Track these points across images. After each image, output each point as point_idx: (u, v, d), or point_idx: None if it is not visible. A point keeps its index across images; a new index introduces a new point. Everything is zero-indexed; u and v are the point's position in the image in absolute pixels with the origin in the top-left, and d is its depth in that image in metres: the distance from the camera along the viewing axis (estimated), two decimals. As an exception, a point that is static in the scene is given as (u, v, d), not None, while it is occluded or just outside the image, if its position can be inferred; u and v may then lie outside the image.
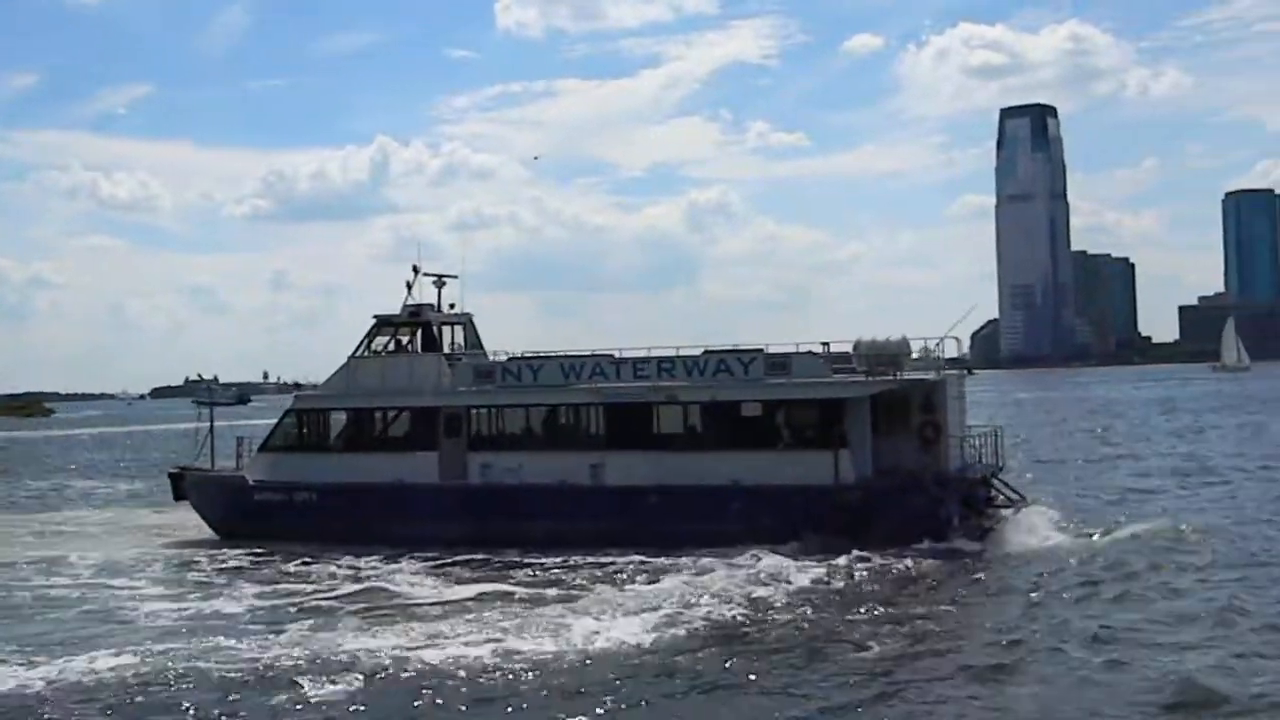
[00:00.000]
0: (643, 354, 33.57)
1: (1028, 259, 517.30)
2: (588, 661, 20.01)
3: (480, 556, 30.67)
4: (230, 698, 18.46)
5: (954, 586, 25.81)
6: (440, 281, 37.22)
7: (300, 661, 20.23)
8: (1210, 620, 21.33)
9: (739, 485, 30.97)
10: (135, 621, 24.91)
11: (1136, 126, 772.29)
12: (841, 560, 27.63)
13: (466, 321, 37.72)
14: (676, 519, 30.81)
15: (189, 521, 38.27)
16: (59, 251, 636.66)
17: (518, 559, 30.23)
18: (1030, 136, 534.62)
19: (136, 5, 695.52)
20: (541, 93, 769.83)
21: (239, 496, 36.63)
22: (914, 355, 32.76)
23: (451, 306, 37.40)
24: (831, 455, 30.54)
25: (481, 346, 37.52)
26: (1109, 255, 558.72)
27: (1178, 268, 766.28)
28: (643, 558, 29.02)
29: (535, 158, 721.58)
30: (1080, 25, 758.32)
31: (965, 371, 37.08)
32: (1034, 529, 30.94)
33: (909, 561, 27.83)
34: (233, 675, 19.56)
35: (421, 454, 34.65)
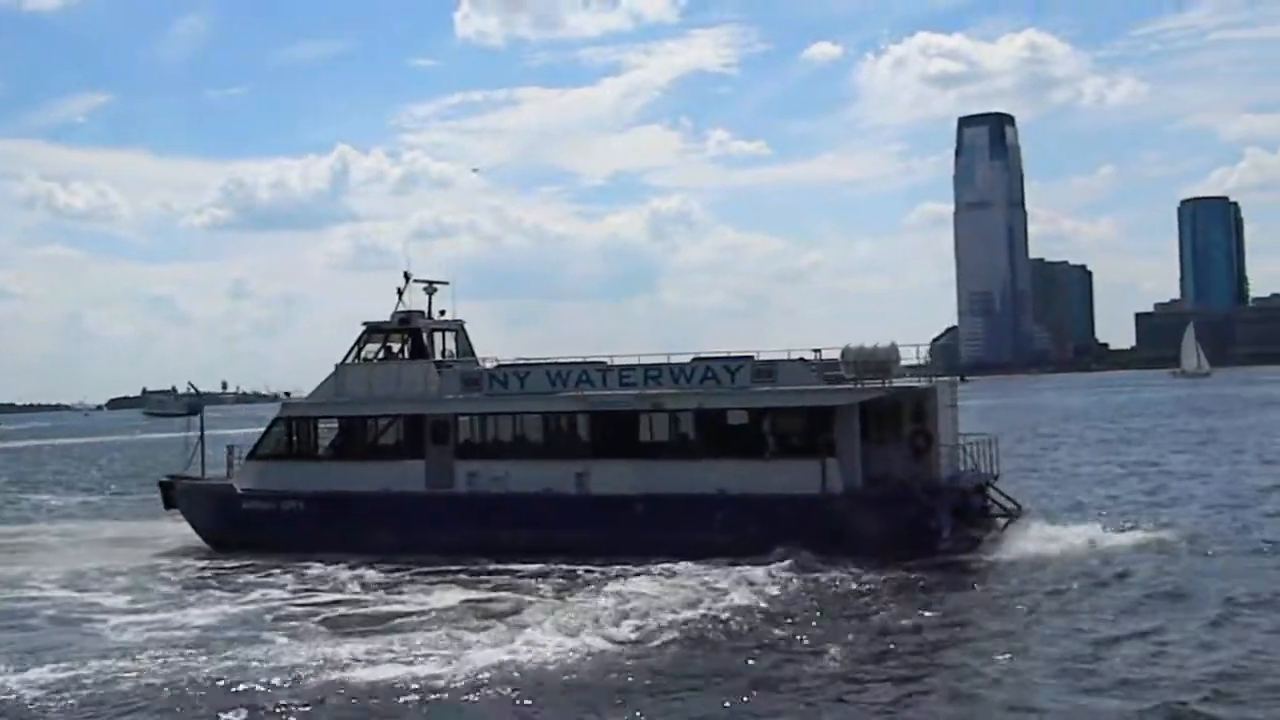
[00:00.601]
0: (630, 361, 33.32)
1: (986, 266, 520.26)
2: (549, 670, 19.80)
3: (459, 566, 30.31)
4: (180, 710, 18.30)
5: (935, 599, 25.10)
6: (431, 288, 36.90)
7: (259, 674, 20.00)
8: (1194, 642, 20.58)
9: (725, 494, 30.64)
10: (100, 635, 24.53)
11: (1093, 135, 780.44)
12: (824, 571, 27.26)
13: (458, 328, 37.41)
14: (662, 528, 30.40)
15: (157, 532, 37.93)
16: (15, 261, 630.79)
17: (497, 567, 29.84)
18: (988, 145, 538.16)
19: (95, 13, 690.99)
20: (502, 101, 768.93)
21: (227, 506, 36.35)
22: (902, 362, 32.54)
23: (442, 313, 37.07)
24: (819, 464, 30.03)
25: (473, 353, 37.15)
26: (1066, 263, 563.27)
27: (1134, 275, 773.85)
28: (621, 567, 28.49)
29: (474, 170, 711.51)
30: (1037, 34, 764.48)
31: (959, 379, 36.50)
32: (1027, 540, 30.33)
33: (894, 573, 27.19)
34: (188, 689, 19.33)
35: (408, 462, 34.37)
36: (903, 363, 32.83)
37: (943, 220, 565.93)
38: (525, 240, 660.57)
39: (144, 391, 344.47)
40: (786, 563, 27.83)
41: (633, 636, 21.93)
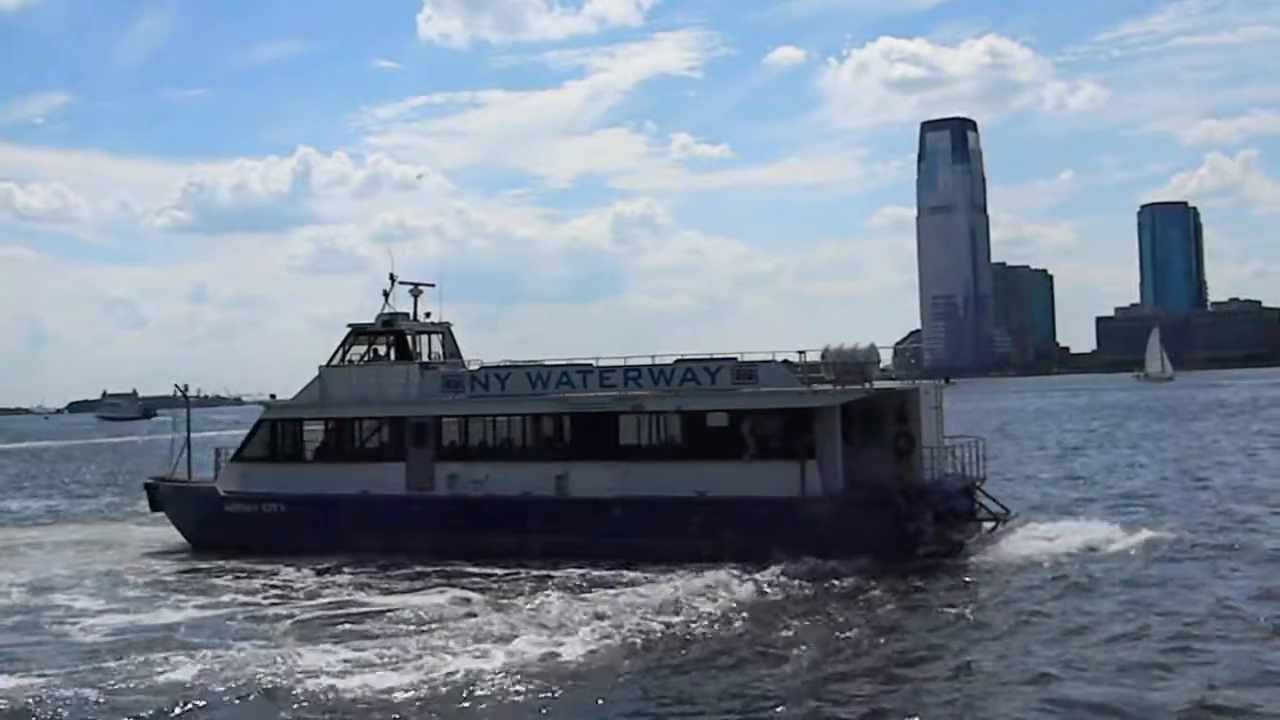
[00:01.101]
0: (610, 363, 33.08)
1: (949, 270, 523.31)
2: (517, 677, 19.45)
3: (434, 569, 30.01)
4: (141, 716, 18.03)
5: (911, 605, 24.63)
6: (416, 290, 36.69)
7: (222, 679, 19.62)
8: (1179, 652, 19.89)
9: (704, 497, 30.33)
10: (69, 637, 24.20)
11: (1054, 140, 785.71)
12: (800, 576, 26.92)
13: (445, 330, 37.14)
14: (641, 532, 30.18)
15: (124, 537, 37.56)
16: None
17: (472, 571, 29.53)
18: (951, 149, 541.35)
19: (55, 13, 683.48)
20: (466, 104, 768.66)
21: (210, 508, 36.26)
22: (882, 364, 32.36)
23: (428, 315, 36.86)
24: (798, 466, 29.74)
25: (460, 355, 36.92)
26: (1028, 267, 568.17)
27: (1094, 279, 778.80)
28: (599, 572, 28.27)
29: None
30: (998, 40, 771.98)
31: (944, 381, 35.94)
32: (1010, 544, 30.06)
33: (872, 577, 26.76)
34: (147, 695, 19.03)
35: (390, 464, 34.23)
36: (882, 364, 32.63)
37: (905, 224, 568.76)
38: (490, 243, 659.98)
39: (104, 395, 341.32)
40: (765, 567, 27.45)
41: (602, 645, 21.43)
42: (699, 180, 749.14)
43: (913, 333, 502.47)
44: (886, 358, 33.33)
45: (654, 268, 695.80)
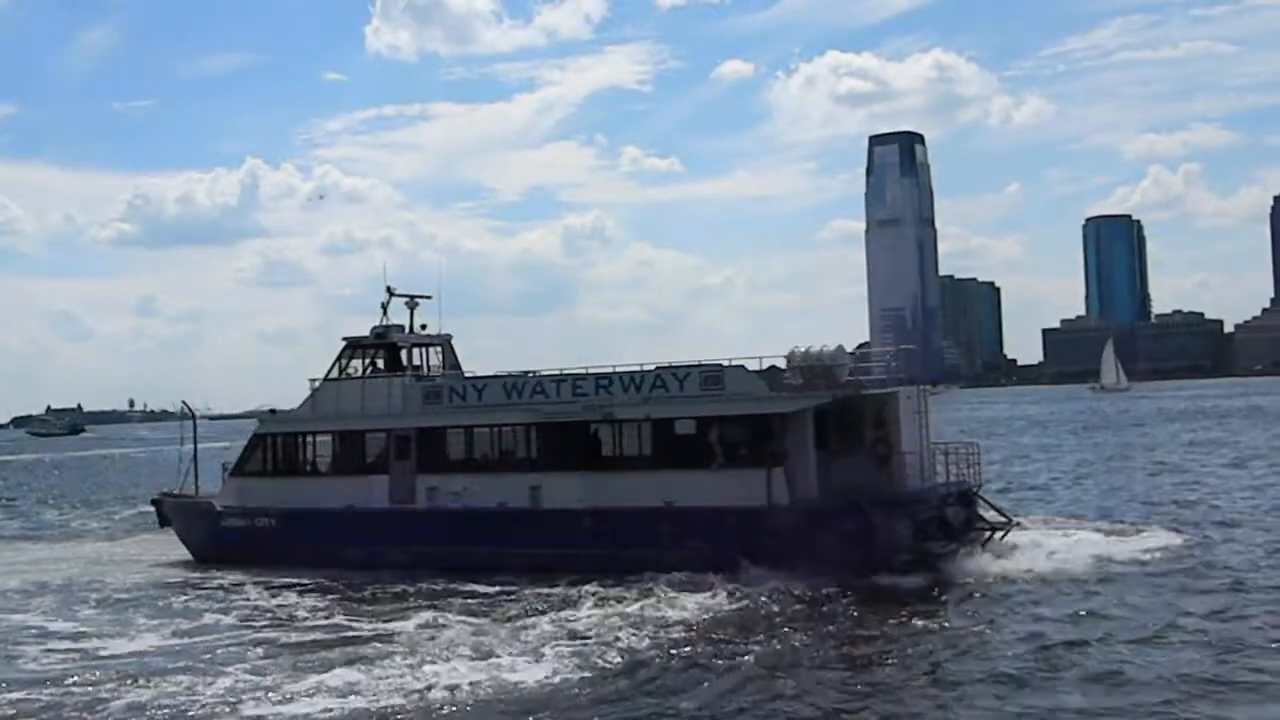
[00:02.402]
0: (588, 371, 32.67)
1: (897, 283, 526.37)
2: (480, 699, 19.25)
3: (413, 586, 29.91)
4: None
5: (876, 619, 23.70)
6: (412, 302, 36.65)
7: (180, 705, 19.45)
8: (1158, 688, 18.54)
9: (673, 507, 29.73)
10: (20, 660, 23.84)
11: (1000, 153, 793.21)
12: (765, 588, 26.38)
13: (444, 343, 36.99)
14: (612, 543, 29.84)
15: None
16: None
17: (447, 587, 29.47)
18: (899, 163, 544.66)
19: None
20: (416, 116, 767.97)
21: (209, 523, 36.79)
22: (849, 367, 31.41)
23: (424, 327, 36.83)
24: (764, 475, 28.93)
25: (460, 367, 36.79)
26: (975, 279, 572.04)
27: (1041, 291, 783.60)
28: (566, 587, 28.06)
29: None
30: (944, 54, 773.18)
31: (930, 384, 33.68)
32: (1001, 557, 28.83)
33: (836, 590, 25.96)
34: None
35: (374, 478, 34.31)
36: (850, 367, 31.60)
37: (854, 237, 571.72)
38: (439, 256, 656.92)
39: (48, 409, 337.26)
40: (733, 579, 27.11)
41: (565, 663, 21.12)
42: (649, 193, 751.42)
43: (862, 344, 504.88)
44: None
45: (604, 281, 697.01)
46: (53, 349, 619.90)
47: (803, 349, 31.09)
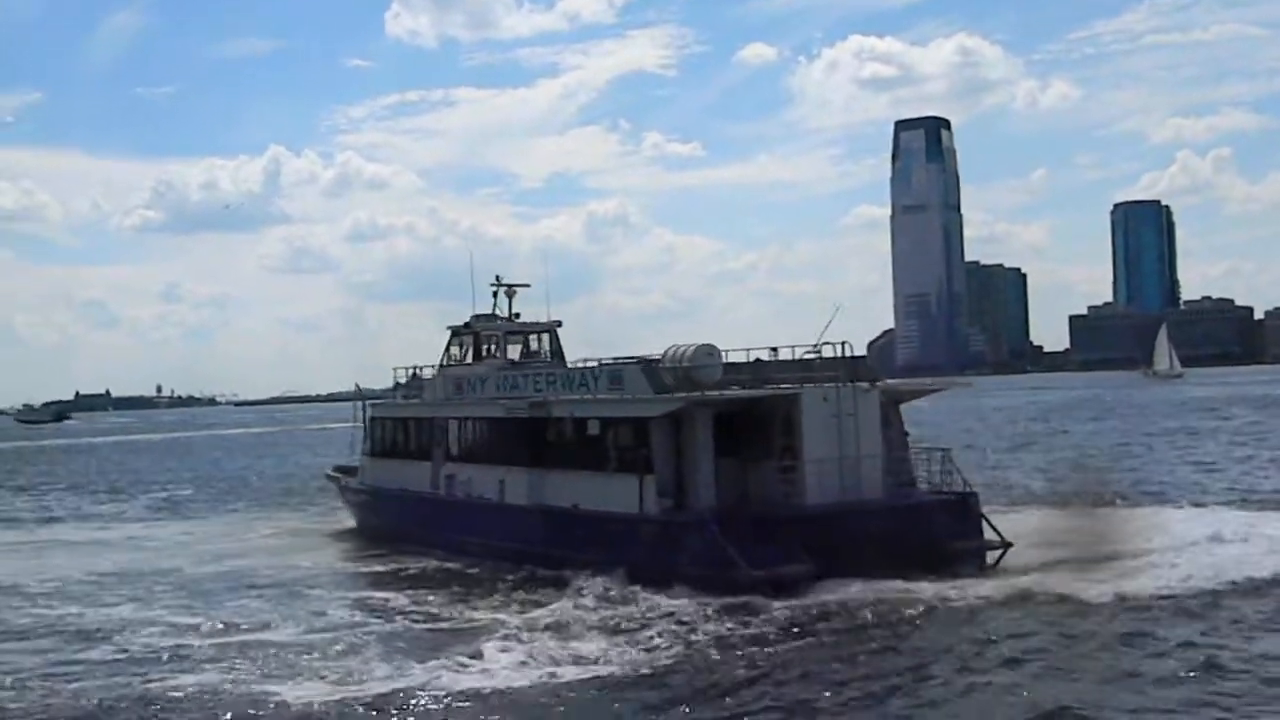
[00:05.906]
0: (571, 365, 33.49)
1: (922, 269, 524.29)
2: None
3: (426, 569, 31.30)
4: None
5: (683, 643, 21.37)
6: (511, 290, 37.72)
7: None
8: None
9: (578, 510, 28.91)
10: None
11: (1026, 138, 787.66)
12: (621, 603, 24.40)
13: (551, 330, 37.55)
14: (542, 541, 29.56)
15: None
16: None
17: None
18: (924, 148, 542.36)
19: (24, 10, 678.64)
20: (438, 102, 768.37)
21: (357, 499, 40.79)
22: (716, 366, 28.04)
23: (516, 316, 37.56)
24: (637, 481, 27.11)
25: (563, 355, 36.94)
26: (1001, 265, 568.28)
27: (1068, 278, 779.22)
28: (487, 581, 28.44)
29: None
30: (969, 38, 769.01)
31: (869, 384, 28.63)
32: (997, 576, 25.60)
33: (692, 607, 23.43)
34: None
35: (425, 463, 36.13)
36: (719, 366, 28.27)
37: (879, 223, 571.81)
38: (462, 242, 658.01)
39: (76, 395, 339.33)
40: (597, 588, 25.47)
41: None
42: (672, 179, 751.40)
43: (886, 332, 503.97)
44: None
45: (627, 266, 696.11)
46: (81, 337, 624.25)
47: (676, 351, 28.11)
